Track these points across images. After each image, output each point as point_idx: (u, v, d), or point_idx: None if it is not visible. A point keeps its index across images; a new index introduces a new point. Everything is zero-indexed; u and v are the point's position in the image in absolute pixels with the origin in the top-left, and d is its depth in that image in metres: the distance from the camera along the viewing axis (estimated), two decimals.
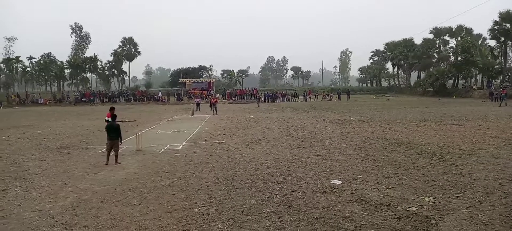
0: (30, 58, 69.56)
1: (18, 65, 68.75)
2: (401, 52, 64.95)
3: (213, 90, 53.56)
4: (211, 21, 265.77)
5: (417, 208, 5.90)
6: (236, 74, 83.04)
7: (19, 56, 69.11)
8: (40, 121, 24.09)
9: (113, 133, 10.02)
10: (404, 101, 40.17)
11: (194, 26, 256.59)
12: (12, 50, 75.69)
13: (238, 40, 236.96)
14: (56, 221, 5.65)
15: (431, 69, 59.45)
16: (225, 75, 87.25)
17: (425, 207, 5.96)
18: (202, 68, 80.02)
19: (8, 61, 68.11)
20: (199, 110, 30.70)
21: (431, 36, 60.39)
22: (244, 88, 59.64)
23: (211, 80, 58.43)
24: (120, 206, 6.36)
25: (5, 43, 76.57)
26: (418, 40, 65.40)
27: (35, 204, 6.53)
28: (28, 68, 69.65)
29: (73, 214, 5.99)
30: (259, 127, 17.99)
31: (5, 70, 68.81)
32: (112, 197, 6.87)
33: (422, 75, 64.82)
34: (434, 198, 6.37)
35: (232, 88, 62.94)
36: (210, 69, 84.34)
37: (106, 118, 12.22)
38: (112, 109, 11.40)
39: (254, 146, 12.49)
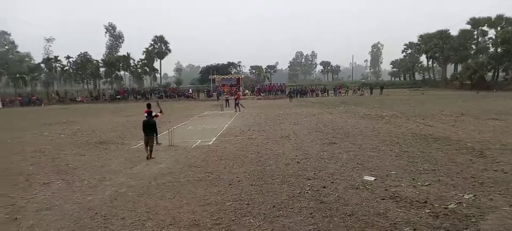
0: (68, 57, 72.79)
1: (57, 64, 72.26)
2: (436, 44, 62.36)
3: (241, 86, 53.80)
4: (239, 17, 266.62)
5: (455, 206, 5.67)
6: (264, 70, 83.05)
7: (58, 56, 72.69)
8: (78, 118, 25.25)
9: (149, 128, 10.39)
10: (439, 95, 38.65)
11: (223, 23, 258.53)
12: (51, 50, 79.87)
13: (266, 36, 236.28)
14: (96, 213, 5.92)
15: (468, 61, 56.73)
16: (253, 71, 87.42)
17: (464, 204, 5.73)
18: (230, 64, 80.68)
19: (47, 60, 71.87)
20: (229, 106, 31.00)
21: (468, 27, 57.58)
22: (272, 84, 59.51)
23: (240, 77, 58.66)
24: (155, 199, 6.57)
25: (44, 43, 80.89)
26: (454, 32, 62.62)
27: (76, 197, 6.87)
28: (66, 67, 72.94)
29: (112, 206, 6.25)
30: (289, 123, 17.93)
31: (45, 69, 72.58)
32: (148, 191, 7.10)
33: (459, 68, 62.01)
34: (474, 196, 6.10)
35: (260, 84, 62.97)
36: (239, 66, 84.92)
37: (146, 114, 12.55)
38: (148, 106, 11.80)
39: (284, 141, 12.47)
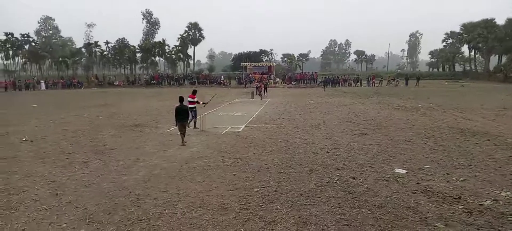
0: (107, 43, 75.57)
1: (97, 49, 75.30)
2: (480, 34, 58.95)
3: (273, 74, 53.62)
4: (274, 6, 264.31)
5: (491, 203, 5.44)
6: (296, 58, 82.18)
7: (98, 41, 75.74)
8: (115, 101, 26.31)
9: (183, 115, 10.52)
10: (481, 88, 36.67)
11: (257, 12, 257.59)
12: (92, 35, 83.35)
13: (299, 24, 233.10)
14: (130, 192, 6.21)
15: None
16: (285, 59, 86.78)
17: (501, 202, 5.48)
18: (262, 52, 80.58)
19: (88, 45, 75.16)
20: (259, 94, 31.09)
21: None
22: (304, 73, 58.86)
23: (272, 64, 58.43)
24: (186, 182, 6.79)
25: (85, 29, 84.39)
26: (500, 21, 58.77)
27: (112, 176, 7.22)
28: (105, 52, 75.81)
29: (145, 187, 6.52)
30: (319, 112, 17.74)
31: (86, 54, 75.92)
32: (179, 173, 7.34)
33: (504, 59, 58.33)
34: None
35: (292, 73, 62.44)
36: (271, 54, 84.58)
37: (189, 99, 13.16)
38: (194, 92, 13.47)
39: (313, 130, 12.39)
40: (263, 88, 29.24)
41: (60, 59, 70.43)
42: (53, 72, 75.33)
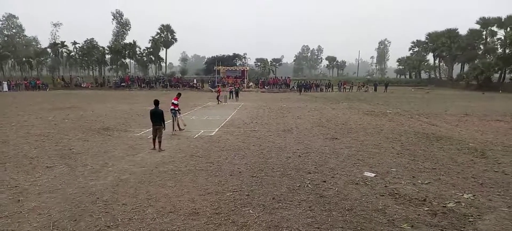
0: (74, 43, 72.72)
1: (63, 49, 72.39)
2: (444, 43, 61.70)
3: (246, 78, 53.69)
4: (246, 9, 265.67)
5: (454, 205, 5.70)
6: (269, 63, 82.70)
7: (64, 41, 72.65)
8: (82, 103, 25.37)
9: (157, 118, 10.03)
10: (445, 95, 38.43)
11: (230, 15, 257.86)
12: (58, 35, 79.90)
13: (272, 29, 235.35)
14: (98, 198, 6.01)
15: (476, 61, 56.05)
16: (258, 63, 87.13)
17: (463, 204, 5.75)
18: (236, 56, 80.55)
19: (54, 45, 71.95)
20: (233, 98, 31.04)
21: (477, 26, 56.84)
22: (277, 78, 59.35)
23: (245, 69, 58.50)
24: (156, 187, 6.64)
25: (51, 28, 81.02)
26: (463, 31, 61.88)
27: (79, 181, 6.96)
28: (72, 53, 73.04)
29: (113, 192, 6.33)
30: (292, 117, 17.94)
31: (51, 54, 72.78)
32: (149, 178, 7.18)
33: (466, 68, 61.43)
34: (474, 196, 6.13)
35: (265, 77, 62.80)
36: (244, 58, 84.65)
37: (174, 101, 13.24)
38: (179, 95, 13.81)
39: (286, 135, 12.50)
40: (221, 92, 29.06)
41: (24, 59, 67.16)
42: (16, 73, 71.70)
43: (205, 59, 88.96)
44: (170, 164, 8.32)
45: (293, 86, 49.54)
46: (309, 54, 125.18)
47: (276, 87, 50.97)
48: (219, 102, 27.10)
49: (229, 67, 58.10)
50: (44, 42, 77.80)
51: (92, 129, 13.61)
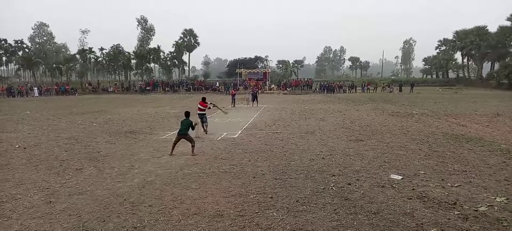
0: (101, 49, 75.20)
1: (91, 55, 74.94)
2: (472, 41, 59.64)
3: (268, 80, 53.68)
4: (268, 12, 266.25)
5: (486, 209, 5.46)
6: (291, 64, 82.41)
7: (92, 48, 75.34)
8: (110, 107, 26.15)
9: (183, 127, 9.89)
10: (474, 94, 37.03)
11: (252, 18, 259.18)
12: (86, 42, 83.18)
13: (294, 31, 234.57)
14: (125, 200, 6.15)
15: (506, 59, 53.82)
16: (280, 65, 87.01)
17: (496, 208, 5.51)
18: (258, 58, 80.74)
19: (82, 52, 74.76)
20: (256, 101, 31.02)
21: (508, 23, 54.53)
22: (299, 79, 59.00)
23: (267, 71, 58.47)
24: (181, 189, 6.74)
25: (80, 35, 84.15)
26: (492, 28, 59.51)
27: (107, 183, 7.15)
28: (100, 59, 75.47)
29: (140, 194, 6.46)
30: (315, 118, 17.78)
31: (80, 60, 75.54)
32: (174, 180, 7.29)
33: (496, 66, 59.00)
34: (507, 199, 5.85)
35: (287, 79, 62.58)
36: (266, 60, 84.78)
37: (200, 106, 13.68)
38: (204, 99, 13.96)
39: (309, 137, 12.40)
40: (233, 94, 28.89)
41: (54, 65, 70.02)
42: (46, 79, 74.87)
43: (227, 62, 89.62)
44: (194, 166, 8.41)
45: (316, 88, 49.13)
46: (331, 55, 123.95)
47: (298, 89, 50.70)
48: (232, 107, 26.17)
49: (251, 70, 58.25)
50: (73, 48, 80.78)
51: (119, 132, 13.98)
